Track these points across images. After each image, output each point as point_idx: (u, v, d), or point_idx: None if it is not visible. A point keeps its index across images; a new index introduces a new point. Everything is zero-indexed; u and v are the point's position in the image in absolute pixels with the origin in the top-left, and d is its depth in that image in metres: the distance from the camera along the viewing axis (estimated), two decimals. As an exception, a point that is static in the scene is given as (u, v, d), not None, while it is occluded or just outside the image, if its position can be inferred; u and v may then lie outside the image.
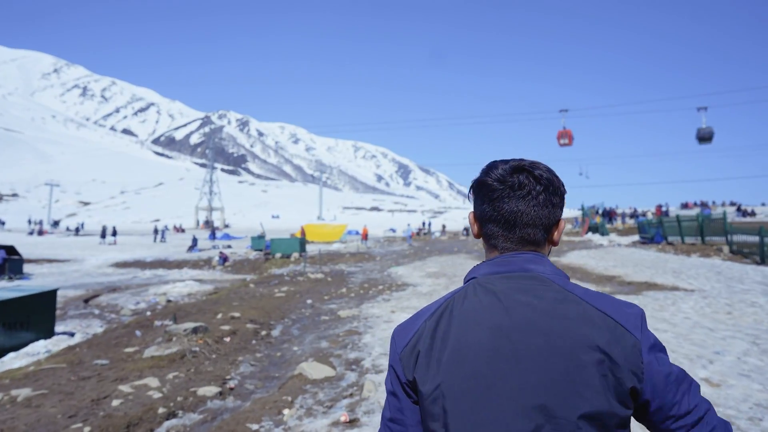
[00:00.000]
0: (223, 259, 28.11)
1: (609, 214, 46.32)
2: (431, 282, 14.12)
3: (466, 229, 51.64)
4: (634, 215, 51.39)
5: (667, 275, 13.79)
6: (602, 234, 35.35)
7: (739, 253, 19.53)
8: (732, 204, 65.20)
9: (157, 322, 8.28)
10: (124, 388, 4.64)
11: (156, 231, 46.17)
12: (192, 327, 6.63)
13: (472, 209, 1.13)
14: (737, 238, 20.27)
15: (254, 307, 10.27)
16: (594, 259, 19.82)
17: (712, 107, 29.03)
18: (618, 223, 47.35)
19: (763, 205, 61.24)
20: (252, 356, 6.29)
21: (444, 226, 56.33)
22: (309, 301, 11.28)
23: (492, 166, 1.09)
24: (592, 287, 12.07)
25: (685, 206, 63.27)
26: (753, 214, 49.61)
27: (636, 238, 30.52)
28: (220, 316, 8.74)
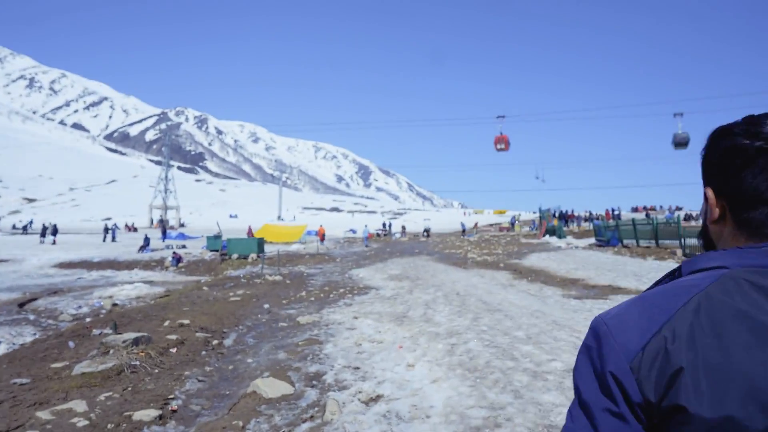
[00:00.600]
0: (177, 259, 27.00)
1: (565, 217, 47.09)
2: (394, 285, 13.69)
3: (426, 230, 51.61)
4: (589, 218, 52.55)
5: (629, 278, 13.82)
6: (559, 236, 35.80)
7: (692, 255, 20.01)
8: (678, 208, 68.06)
9: (96, 331, 7.49)
10: (43, 414, 3.95)
11: (106, 229, 44.11)
12: (133, 338, 5.93)
13: (708, 185, 0.80)
14: (690, 241, 20.80)
15: (206, 312, 9.55)
16: (555, 262, 19.87)
17: (675, 114, 29.94)
18: (574, 225, 48.30)
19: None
20: (200, 370, 5.65)
21: (404, 228, 56.11)
22: (266, 306, 10.64)
23: (757, 122, 0.74)
24: (558, 291, 11.91)
25: (635, 210, 65.59)
26: (697, 218, 51.68)
27: (592, 240, 31.00)
28: (167, 323, 8.00)
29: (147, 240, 34.31)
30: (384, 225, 60.26)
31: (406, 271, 17.43)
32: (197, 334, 7.17)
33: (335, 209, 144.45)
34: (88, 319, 9.29)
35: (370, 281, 14.91)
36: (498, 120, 29.84)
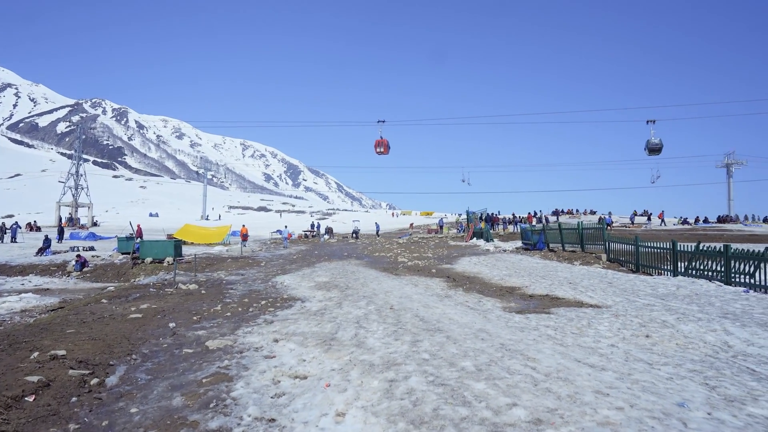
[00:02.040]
0: (81, 263, 24.43)
1: (491, 220, 47.65)
2: (321, 295, 12.51)
3: (355, 232, 50.82)
4: (513, 221, 53.67)
5: (564, 287, 13.44)
6: (487, 240, 35.97)
7: (616, 261, 20.31)
8: (592, 212, 71.74)
9: (-67, 370, 5.79)
10: None
11: (2, 228, 39.24)
12: (-33, 387, 4.41)
13: None
14: (614, 246, 21.10)
15: (94, 336, 7.93)
16: (487, 267, 19.44)
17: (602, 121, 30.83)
18: (499, 228, 49.05)
19: (610, 213, 68.18)
20: (60, 430, 4.25)
21: (331, 229, 54.80)
22: (172, 325, 9.13)
23: None
24: (497, 303, 11.22)
25: (555, 213, 68.28)
26: (611, 223, 54.22)
27: (518, 243, 31.27)
28: (36, 354, 6.39)
29: (48, 241, 31.00)
30: (312, 226, 58.72)
31: (334, 279, 16.27)
32: (70, 372, 5.67)
33: (263, 209, 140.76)
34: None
35: (296, 291, 13.64)
36: (378, 124, 31.06)
